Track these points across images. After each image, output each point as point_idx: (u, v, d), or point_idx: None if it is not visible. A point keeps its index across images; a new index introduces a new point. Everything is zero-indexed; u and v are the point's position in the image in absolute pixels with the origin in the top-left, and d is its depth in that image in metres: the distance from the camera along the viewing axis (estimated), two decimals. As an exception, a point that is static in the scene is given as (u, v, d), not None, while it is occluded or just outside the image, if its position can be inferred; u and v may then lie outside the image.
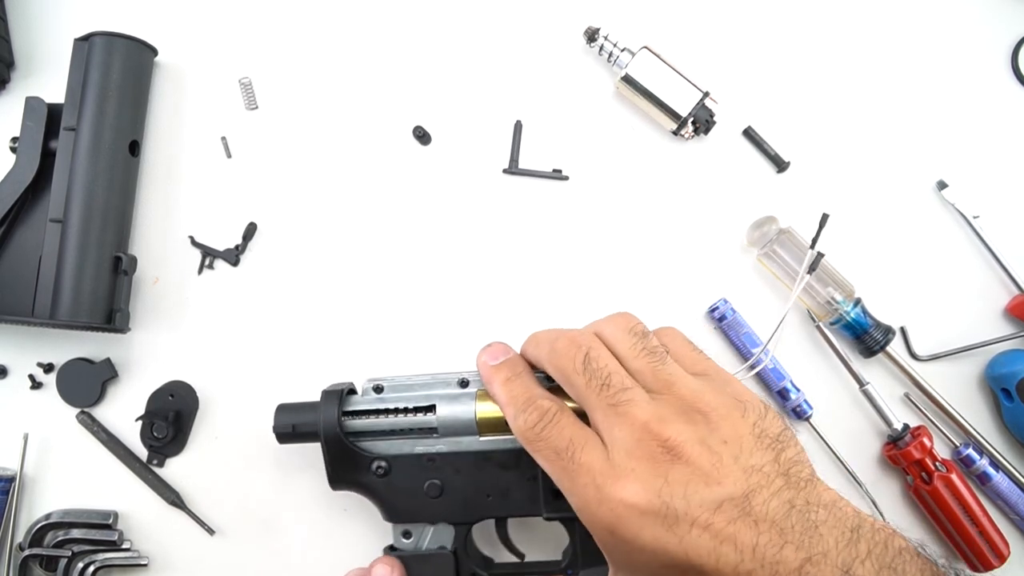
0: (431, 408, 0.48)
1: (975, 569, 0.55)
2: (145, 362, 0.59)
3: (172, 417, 0.57)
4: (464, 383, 0.49)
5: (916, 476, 0.56)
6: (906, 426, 0.57)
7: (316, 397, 0.50)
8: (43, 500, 0.58)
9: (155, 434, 0.57)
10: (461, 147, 0.61)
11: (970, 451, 0.57)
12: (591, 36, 0.60)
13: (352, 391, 0.51)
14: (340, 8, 0.62)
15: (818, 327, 0.58)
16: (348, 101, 0.62)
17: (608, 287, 0.60)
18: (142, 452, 0.58)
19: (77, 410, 0.58)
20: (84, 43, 0.57)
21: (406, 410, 0.48)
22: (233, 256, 0.60)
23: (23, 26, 0.62)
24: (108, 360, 0.58)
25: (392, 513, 0.49)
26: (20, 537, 0.57)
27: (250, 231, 0.60)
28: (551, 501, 0.47)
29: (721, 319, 0.58)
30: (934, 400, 0.58)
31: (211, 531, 0.57)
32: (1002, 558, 0.55)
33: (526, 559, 0.52)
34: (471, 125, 0.61)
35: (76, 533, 0.57)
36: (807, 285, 0.57)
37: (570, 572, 0.48)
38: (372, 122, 0.61)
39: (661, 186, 0.61)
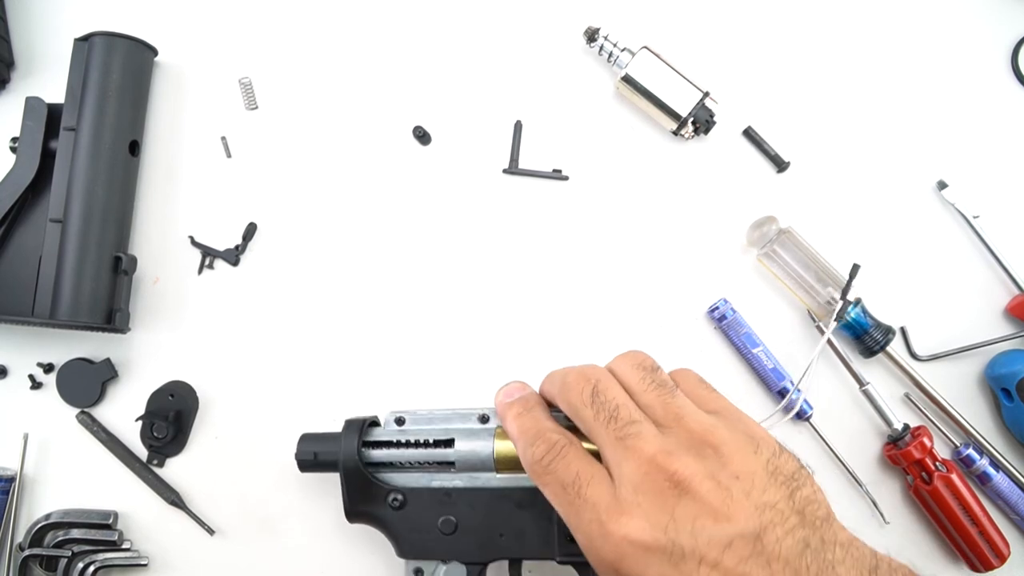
0: (450, 442, 0.47)
1: (975, 569, 0.55)
2: (145, 362, 0.59)
3: (172, 417, 0.57)
4: (484, 419, 0.48)
5: (916, 476, 0.56)
6: (906, 426, 0.57)
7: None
8: (43, 500, 0.58)
9: (155, 434, 0.57)
10: (461, 147, 0.61)
11: (970, 451, 0.57)
12: (591, 36, 0.60)
13: (375, 423, 0.51)
14: (340, 8, 0.62)
15: (818, 327, 0.58)
16: (348, 101, 0.62)
17: (608, 287, 0.60)
18: (142, 452, 0.58)
19: (77, 410, 0.58)
20: (84, 43, 0.57)
21: (425, 443, 0.48)
22: (233, 256, 0.60)
23: (23, 26, 0.62)
24: (108, 360, 0.58)
25: (405, 548, 0.49)
26: (20, 537, 0.57)
27: (250, 231, 0.60)
28: (564, 544, 0.46)
29: (721, 319, 0.58)
30: (934, 400, 0.58)
31: (211, 531, 0.57)
32: (1002, 558, 0.55)
33: None
34: (471, 125, 0.61)
35: (76, 533, 0.57)
36: (807, 285, 0.57)
37: None
38: (372, 122, 0.61)
39: (661, 186, 0.61)
